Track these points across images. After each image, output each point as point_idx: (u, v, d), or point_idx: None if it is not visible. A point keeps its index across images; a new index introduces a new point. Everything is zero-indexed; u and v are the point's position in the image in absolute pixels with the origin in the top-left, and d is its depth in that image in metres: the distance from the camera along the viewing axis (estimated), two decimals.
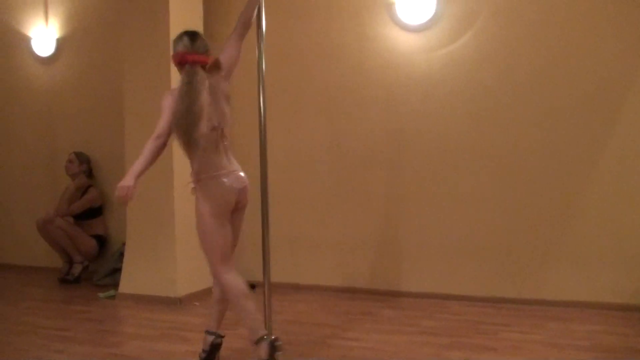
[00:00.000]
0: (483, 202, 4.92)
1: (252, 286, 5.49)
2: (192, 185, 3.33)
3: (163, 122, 3.18)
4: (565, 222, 4.71)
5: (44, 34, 6.43)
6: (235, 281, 3.18)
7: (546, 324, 4.23)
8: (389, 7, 5.10)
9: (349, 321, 4.42)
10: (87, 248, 5.96)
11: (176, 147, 5.01)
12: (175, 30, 4.99)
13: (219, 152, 3.25)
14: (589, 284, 4.63)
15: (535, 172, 4.77)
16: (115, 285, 5.38)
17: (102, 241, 6.09)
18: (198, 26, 5.36)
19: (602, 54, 4.59)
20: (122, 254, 5.51)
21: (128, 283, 5.25)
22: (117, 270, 5.58)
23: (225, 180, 3.22)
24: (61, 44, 6.41)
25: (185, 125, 3.09)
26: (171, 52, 3.32)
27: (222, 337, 3.47)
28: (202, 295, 5.23)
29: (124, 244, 5.50)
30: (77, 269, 5.94)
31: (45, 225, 5.91)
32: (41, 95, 6.55)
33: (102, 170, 6.25)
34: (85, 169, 6.13)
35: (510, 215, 4.85)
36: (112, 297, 5.27)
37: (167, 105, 3.19)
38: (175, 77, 5.01)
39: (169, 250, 5.09)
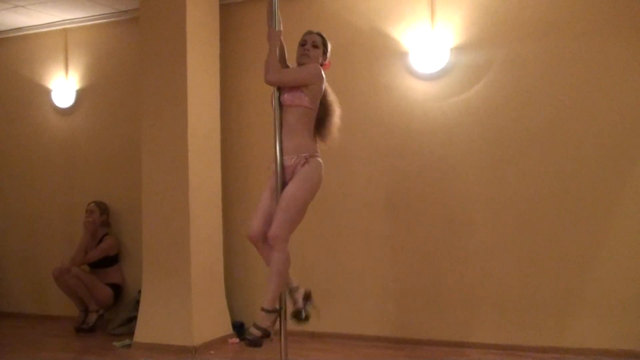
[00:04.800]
0: (502, 249, 4.89)
1: (268, 335, 5.45)
2: (304, 157, 3.41)
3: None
4: (586, 269, 4.67)
5: (63, 86, 6.56)
6: (289, 257, 3.32)
7: None
8: (403, 57, 5.18)
9: None
10: (103, 297, 5.95)
11: (192, 199, 5.09)
12: (193, 82, 5.16)
13: None
14: (610, 331, 4.56)
15: (554, 219, 4.75)
16: (131, 334, 5.36)
17: (118, 290, 6.08)
18: (214, 81, 5.49)
19: (617, 100, 4.61)
20: (137, 303, 5.50)
21: (144, 332, 5.23)
22: (132, 319, 5.57)
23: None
24: (80, 95, 6.53)
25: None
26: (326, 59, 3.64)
27: None
28: (218, 343, 5.20)
29: (139, 292, 5.50)
30: (92, 318, 5.93)
31: (62, 275, 5.92)
32: (60, 146, 6.64)
33: (120, 219, 6.29)
34: (105, 219, 6.18)
35: (529, 263, 4.81)
36: (128, 346, 5.25)
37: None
38: (193, 128, 5.12)
39: (184, 299, 5.08)
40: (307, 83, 3.42)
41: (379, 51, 5.28)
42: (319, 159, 3.48)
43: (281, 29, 3.50)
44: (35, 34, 6.70)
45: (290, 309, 3.49)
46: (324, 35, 3.63)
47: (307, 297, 3.48)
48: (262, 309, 3.24)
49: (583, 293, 4.66)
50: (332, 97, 3.60)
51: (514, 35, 4.89)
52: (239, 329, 5.52)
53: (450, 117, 5.05)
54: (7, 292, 6.91)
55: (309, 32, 3.60)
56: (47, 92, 6.68)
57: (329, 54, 3.63)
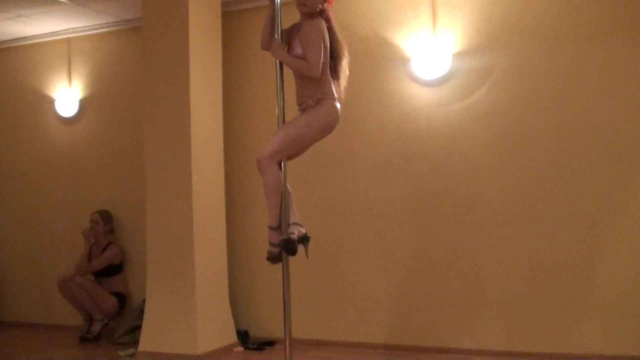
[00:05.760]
0: (506, 254, 4.87)
1: (272, 343, 5.45)
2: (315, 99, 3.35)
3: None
4: (589, 274, 4.64)
5: (67, 95, 6.58)
6: (280, 176, 3.33)
7: None
8: (405, 63, 5.18)
9: None
10: (107, 306, 5.95)
11: (196, 207, 5.09)
12: (195, 91, 5.16)
13: None
14: (614, 336, 4.53)
15: (558, 223, 4.73)
16: (135, 343, 5.36)
17: (122, 298, 6.08)
18: (217, 89, 5.50)
19: (620, 103, 4.60)
20: (142, 311, 5.50)
21: (148, 341, 5.22)
22: (137, 328, 5.56)
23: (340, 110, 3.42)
24: (84, 104, 6.54)
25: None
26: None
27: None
28: (223, 352, 5.19)
29: (144, 301, 5.50)
30: (97, 327, 5.92)
31: (66, 284, 5.93)
32: (64, 154, 6.65)
33: (123, 227, 6.29)
34: (109, 228, 6.19)
35: (533, 268, 4.79)
36: (132, 355, 5.24)
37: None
38: (196, 136, 5.13)
39: (189, 308, 5.07)
40: (324, 44, 3.33)
41: (382, 58, 5.28)
42: (334, 102, 3.38)
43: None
44: (39, 43, 6.73)
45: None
46: None
47: (305, 239, 3.43)
48: (269, 228, 3.36)
49: (587, 298, 4.64)
50: (340, 37, 3.50)
51: (515, 40, 4.89)
52: (243, 337, 5.51)
53: (453, 122, 5.05)
54: (12, 301, 6.91)
55: None
56: (50, 101, 6.70)
57: None
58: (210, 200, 5.34)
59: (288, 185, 3.47)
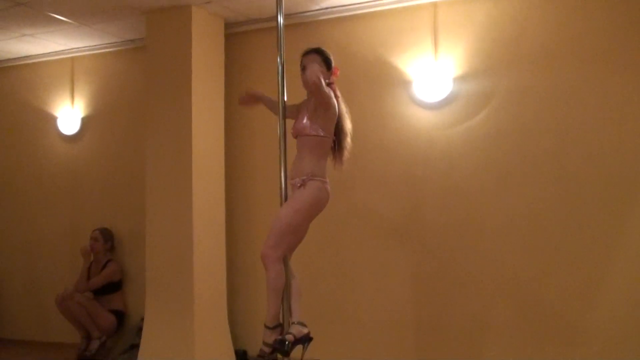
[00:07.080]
0: (507, 278, 4.88)
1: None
2: (301, 180, 3.43)
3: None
4: (590, 296, 4.63)
5: (69, 114, 6.62)
6: (282, 274, 3.35)
7: None
8: (407, 86, 5.22)
9: None
10: (105, 324, 5.93)
11: (196, 226, 5.10)
12: (197, 111, 5.19)
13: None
14: None
15: (559, 246, 4.73)
16: None
17: (120, 316, 6.06)
18: (219, 110, 5.53)
19: (619, 127, 4.62)
20: (140, 330, 5.49)
21: (146, 359, 5.22)
22: (135, 346, 5.55)
23: (329, 188, 3.51)
24: (86, 122, 6.58)
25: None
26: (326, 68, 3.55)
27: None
28: None
29: (142, 319, 5.49)
30: (95, 345, 5.89)
31: (64, 301, 5.92)
32: (65, 172, 6.68)
33: (123, 245, 6.30)
34: (109, 246, 6.19)
35: (533, 290, 4.79)
36: None
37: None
38: (197, 155, 5.15)
39: (187, 327, 5.07)
40: (326, 102, 3.40)
41: (384, 80, 5.32)
42: (320, 183, 3.43)
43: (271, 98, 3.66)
44: (43, 62, 6.78)
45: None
46: (321, 49, 3.53)
47: (305, 340, 3.40)
48: (265, 326, 3.35)
49: (588, 322, 4.63)
50: (344, 112, 3.59)
51: (515, 65, 4.93)
52: (242, 357, 5.49)
53: (453, 145, 5.08)
54: (9, 319, 6.90)
55: (305, 53, 3.53)
56: (53, 120, 6.73)
57: (333, 64, 3.54)
58: (211, 218, 5.35)
59: (296, 276, 3.50)
